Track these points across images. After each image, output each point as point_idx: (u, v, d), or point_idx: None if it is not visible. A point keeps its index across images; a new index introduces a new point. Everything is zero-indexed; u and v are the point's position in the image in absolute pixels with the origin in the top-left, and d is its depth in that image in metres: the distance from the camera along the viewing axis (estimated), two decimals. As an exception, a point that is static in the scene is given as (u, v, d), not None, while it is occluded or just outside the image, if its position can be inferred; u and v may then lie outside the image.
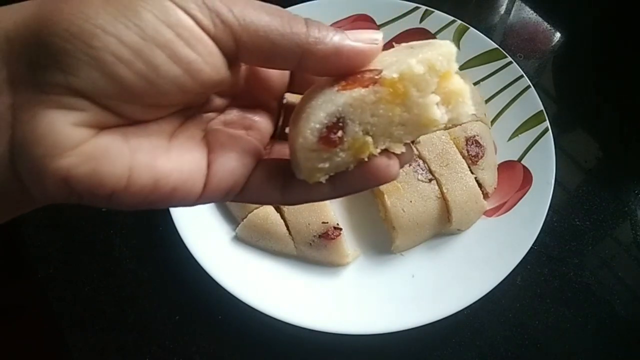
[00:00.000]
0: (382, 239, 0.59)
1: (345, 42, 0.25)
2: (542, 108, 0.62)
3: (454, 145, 0.60)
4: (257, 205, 0.58)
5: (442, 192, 0.58)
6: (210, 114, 0.29)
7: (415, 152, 0.60)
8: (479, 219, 0.60)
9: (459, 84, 0.27)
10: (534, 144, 0.61)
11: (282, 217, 0.58)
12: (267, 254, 0.59)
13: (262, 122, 0.30)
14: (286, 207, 0.58)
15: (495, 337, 0.56)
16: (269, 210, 0.58)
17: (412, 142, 0.28)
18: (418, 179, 0.58)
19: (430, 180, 0.58)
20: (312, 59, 0.25)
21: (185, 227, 0.55)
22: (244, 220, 0.58)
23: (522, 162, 0.61)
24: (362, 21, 0.70)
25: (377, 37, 0.27)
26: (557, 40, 0.78)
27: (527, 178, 0.60)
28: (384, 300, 0.55)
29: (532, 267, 0.59)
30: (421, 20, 0.69)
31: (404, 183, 0.57)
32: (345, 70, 0.26)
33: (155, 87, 0.22)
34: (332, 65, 0.26)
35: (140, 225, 0.62)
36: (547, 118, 0.62)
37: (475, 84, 0.67)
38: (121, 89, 0.22)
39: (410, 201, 0.57)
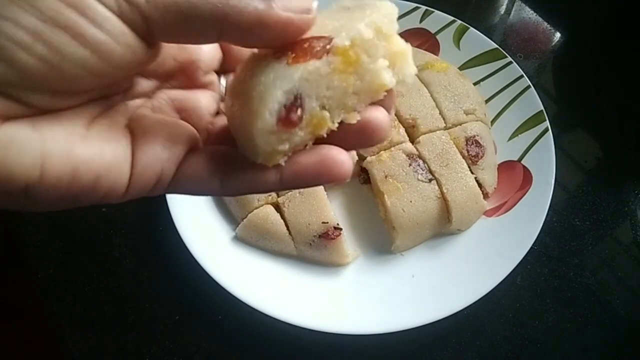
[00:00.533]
0: (382, 239, 0.59)
1: (271, 12, 0.22)
2: (542, 108, 0.62)
3: (454, 145, 0.60)
4: (257, 205, 0.58)
5: (442, 192, 0.58)
6: (137, 101, 0.27)
7: (415, 151, 0.60)
8: (479, 219, 0.60)
9: (401, 45, 0.26)
10: (534, 144, 0.61)
11: (282, 217, 0.58)
12: (267, 254, 0.58)
13: (198, 102, 0.28)
14: (286, 207, 0.58)
15: (495, 337, 0.56)
16: (269, 211, 0.58)
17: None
18: (418, 179, 0.58)
19: (430, 180, 0.58)
20: (233, 32, 0.23)
21: (185, 227, 0.55)
22: (244, 220, 0.58)
23: (522, 162, 0.61)
24: (362, 21, 0.70)
25: (310, 5, 0.24)
26: (557, 40, 0.78)
27: (527, 178, 0.60)
28: (384, 301, 0.55)
29: (532, 267, 0.59)
30: (421, 20, 0.69)
31: (404, 183, 0.57)
32: (275, 43, 0.24)
33: (61, 72, 0.21)
34: (258, 37, 0.23)
35: (140, 225, 0.62)
36: (547, 118, 0.62)
37: (475, 84, 0.67)
38: (22, 75, 0.20)
39: (410, 201, 0.57)
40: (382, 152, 0.59)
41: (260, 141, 0.24)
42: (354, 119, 0.25)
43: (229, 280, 0.53)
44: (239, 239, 0.59)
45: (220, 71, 0.30)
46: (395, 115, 0.62)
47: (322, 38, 0.24)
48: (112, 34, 0.21)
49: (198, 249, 0.54)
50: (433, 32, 0.69)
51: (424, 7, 0.69)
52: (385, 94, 0.25)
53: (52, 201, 0.22)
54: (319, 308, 0.54)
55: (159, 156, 0.24)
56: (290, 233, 0.57)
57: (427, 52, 0.69)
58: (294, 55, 0.23)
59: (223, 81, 0.30)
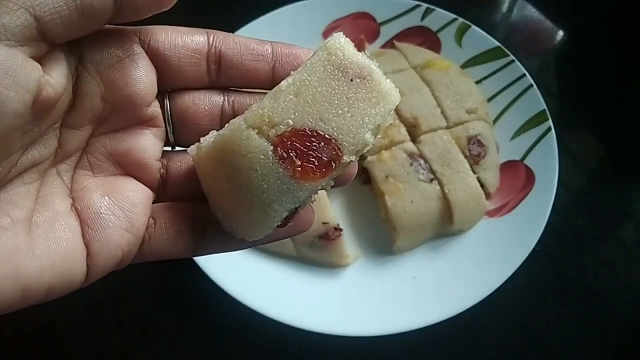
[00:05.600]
0: (383, 240, 0.59)
1: None
2: (545, 107, 0.62)
3: (455, 145, 0.59)
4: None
5: (443, 193, 0.57)
6: (70, 160, 0.24)
7: (417, 151, 0.59)
8: (480, 220, 0.59)
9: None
10: (537, 144, 0.61)
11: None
12: (267, 255, 0.58)
13: (142, 152, 0.25)
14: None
15: (497, 338, 0.56)
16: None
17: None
18: (419, 179, 0.57)
19: (431, 180, 0.58)
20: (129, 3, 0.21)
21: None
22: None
23: (525, 161, 0.61)
24: (363, 19, 0.69)
25: None
26: (559, 38, 0.78)
27: (529, 178, 0.59)
28: (384, 302, 0.55)
29: (535, 268, 0.59)
30: (422, 18, 0.69)
31: (405, 183, 0.57)
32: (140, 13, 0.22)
33: None
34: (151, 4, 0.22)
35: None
36: (549, 117, 0.61)
37: (477, 82, 0.66)
38: None
39: (412, 201, 0.56)
40: (382, 151, 0.59)
41: (253, 237, 0.24)
42: (328, 186, 0.26)
43: (228, 282, 0.53)
44: (238, 240, 0.58)
45: (161, 91, 0.26)
46: (397, 114, 0.61)
47: (328, 143, 0.23)
48: None
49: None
50: (434, 30, 0.69)
51: (425, 5, 0.68)
52: None
53: (5, 313, 0.21)
54: (318, 309, 0.54)
55: (116, 242, 0.22)
56: (290, 233, 0.57)
57: (428, 51, 0.68)
58: (301, 167, 0.22)
59: (168, 105, 0.27)
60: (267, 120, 0.23)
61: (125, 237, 0.23)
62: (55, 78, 0.21)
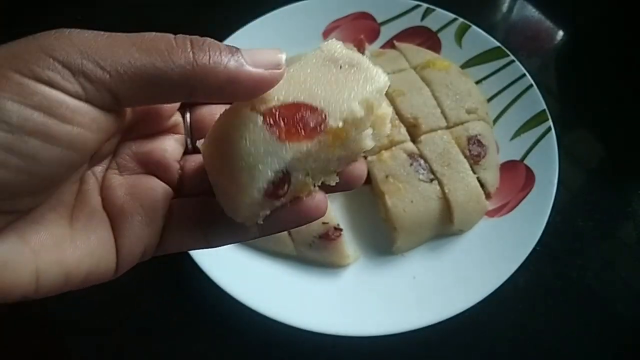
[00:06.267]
0: (383, 240, 0.59)
1: (243, 69, 0.22)
2: (545, 107, 0.62)
3: (455, 145, 0.59)
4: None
5: (443, 192, 0.57)
6: (103, 164, 0.26)
7: (417, 151, 0.59)
8: (480, 220, 0.59)
9: (384, 109, 0.27)
10: (537, 144, 0.61)
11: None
12: (267, 255, 0.58)
13: (164, 152, 0.27)
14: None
15: (498, 339, 0.56)
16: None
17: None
18: (419, 179, 0.57)
19: (431, 180, 0.58)
20: (205, 91, 0.22)
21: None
22: (244, 220, 0.57)
23: (525, 161, 0.61)
24: (363, 19, 0.69)
25: (280, 60, 0.24)
26: (559, 38, 0.78)
27: (529, 178, 0.59)
28: (384, 302, 0.54)
29: (535, 268, 0.59)
30: (422, 18, 0.69)
31: (405, 183, 0.57)
32: (246, 98, 0.24)
33: (38, 176, 0.21)
34: (230, 94, 0.23)
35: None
36: (549, 117, 0.61)
37: (477, 82, 0.66)
38: (2, 189, 0.20)
39: (412, 201, 0.56)
40: (382, 151, 0.59)
41: (244, 211, 0.24)
42: (333, 180, 0.27)
43: (228, 282, 0.53)
44: (238, 240, 0.58)
45: (184, 106, 0.29)
46: (397, 114, 0.61)
47: (314, 112, 0.24)
48: (83, 123, 0.21)
49: (197, 250, 0.54)
50: (434, 30, 0.69)
51: (425, 5, 0.68)
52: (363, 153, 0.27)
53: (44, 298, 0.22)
54: (319, 309, 0.54)
55: (139, 235, 0.24)
56: (290, 233, 0.57)
57: (428, 51, 0.68)
58: (285, 129, 0.23)
59: (189, 116, 0.29)
60: (259, 99, 0.24)
61: (145, 231, 0.25)
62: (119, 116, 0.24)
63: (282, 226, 0.26)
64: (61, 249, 0.22)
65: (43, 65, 0.20)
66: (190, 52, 0.22)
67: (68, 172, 0.22)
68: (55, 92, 0.20)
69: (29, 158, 0.20)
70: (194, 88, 0.22)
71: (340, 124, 0.24)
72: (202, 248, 0.27)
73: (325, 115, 0.24)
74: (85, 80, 0.20)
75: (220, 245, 0.27)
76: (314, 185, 0.26)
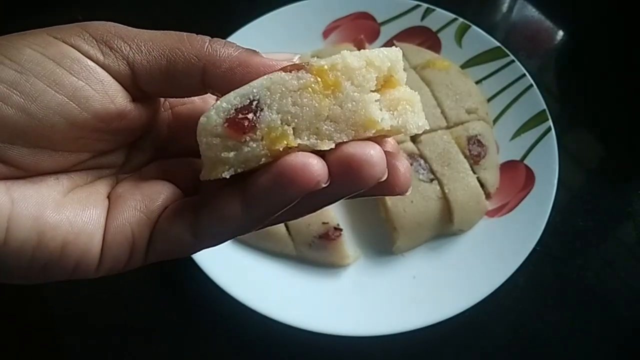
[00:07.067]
0: (383, 240, 0.59)
1: (255, 54, 0.23)
2: (545, 107, 0.62)
3: (455, 145, 0.59)
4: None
5: (443, 192, 0.57)
6: (128, 174, 0.26)
7: (417, 151, 0.59)
8: (480, 220, 0.59)
9: (409, 93, 0.24)
10: (537, 144, 0.61)
11: (282, 217, 0.57)
12: (267, 255, 0.58)
13: (186, 167, 0.27)
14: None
15: (498, 339, 0.56)
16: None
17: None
18: (419, 179, 0.57)
19: (431, 180, 0.58)
20: (215, 73, 0.23)
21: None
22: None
23: (525, 162, 0.61)
24: (363, 19, 0.69)
25: (293, 57, 0.24)
26: (559, 38, 0.78)
27: (529, 178, 0.59)
28: (385, 302, 0.55)
29: (535, 268, 0.59)
30: (422, 18, 0.69)
31: (405, 183, 0.57)
32: None
33: (37, 120, 0.21)
34: (240, 77, 0.23)
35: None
36: (549, 117, 0.61)
37: (477, 82, 0.66)
38: (1, 125, 0.20)
39: (412, 201, 0.56)
40: (383, 151, 0.59)
41: (203, 142, 0.22)
42: (326, 145, 0.22)
43: (228, 282, 0.53)
44: (238, 240, 0.58)
45: None
46: (397, 114, 0.61)
47: (304, 62, 0.23)
48: (91, 79, 0.22)
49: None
50: (434, 30, 0.69)
51: (425, 5, 0.68)
52: (375, 132, 0.22)
53: (20, 269, 0.22)
54: (319, 309, 0.54)
55: (127, 219, 0.23)
56: (290, 233, 0.57)
57: (428, 51, 0.68)
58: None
59: None
60: None
61: (135, 216, 0.24)
62: (141, 111, 0.24)
63: (267, 196, 0.21)
64: (41, 207, 0.22)
65: (72, 33, 0.22)
66: (205, 40, 0.23)
67: (72, 132, 0.22)
68: (74, 51, 0.22)
69: (30, 98, 0.21)
70: (206, 70, 0.23)
71: (323, 63, 0.22)
72: (190, 247, 0.25)
73: (309, 62, 0.23)
74: (105, 46, 0.22)
75: (208, 240, 0.24)
76: (296, 142, 0.22)
